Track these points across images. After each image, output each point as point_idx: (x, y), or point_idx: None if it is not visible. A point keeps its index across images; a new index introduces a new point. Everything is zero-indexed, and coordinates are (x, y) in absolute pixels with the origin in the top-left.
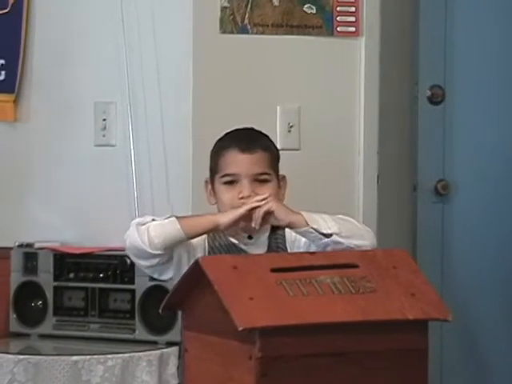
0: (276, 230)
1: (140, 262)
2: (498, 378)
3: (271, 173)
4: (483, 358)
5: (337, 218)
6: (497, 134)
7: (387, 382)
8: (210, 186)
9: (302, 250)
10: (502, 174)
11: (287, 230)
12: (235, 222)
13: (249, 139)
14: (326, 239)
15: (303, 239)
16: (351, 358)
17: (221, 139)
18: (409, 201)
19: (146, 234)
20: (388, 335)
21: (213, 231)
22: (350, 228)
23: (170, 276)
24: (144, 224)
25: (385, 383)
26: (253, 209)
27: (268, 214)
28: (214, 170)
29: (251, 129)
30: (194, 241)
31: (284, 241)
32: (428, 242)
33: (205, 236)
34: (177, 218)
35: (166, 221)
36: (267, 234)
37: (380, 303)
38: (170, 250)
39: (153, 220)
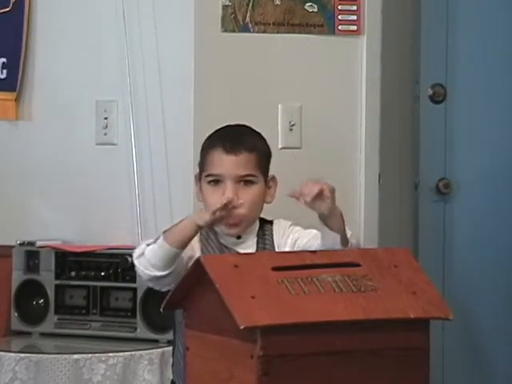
0: (264, 224)
1: (164, 284)
2: (499, 377)
3: (257, 174)
4: (485, 356)
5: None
6: (498, 133)
7: (389, 380)
8: (199, 183)
9: (287, 249)
10: (503, 173)
11: (275, 227)
12: (214, 221)
13: (235, 139)
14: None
15: (290, 237)
16: (352, 357)
17: (210, 136)
18: (410, 199)
19: (145, 262)
20: (389, 334)
21: (196, 233)
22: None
23: None
24: (141, 254)
25: (386, 382)
26: (225, 205)
27: (332, 193)
28: (200, 167)
29: (242, 126)
30: (194, 245)
31: (272, 240)
32: (429, 241)
33: (198, 239)
34: (164, 232)
35: (158, 241)
36: (255, 233)
37: (381, 302)
38: (171, 264)
39: (147, 245)
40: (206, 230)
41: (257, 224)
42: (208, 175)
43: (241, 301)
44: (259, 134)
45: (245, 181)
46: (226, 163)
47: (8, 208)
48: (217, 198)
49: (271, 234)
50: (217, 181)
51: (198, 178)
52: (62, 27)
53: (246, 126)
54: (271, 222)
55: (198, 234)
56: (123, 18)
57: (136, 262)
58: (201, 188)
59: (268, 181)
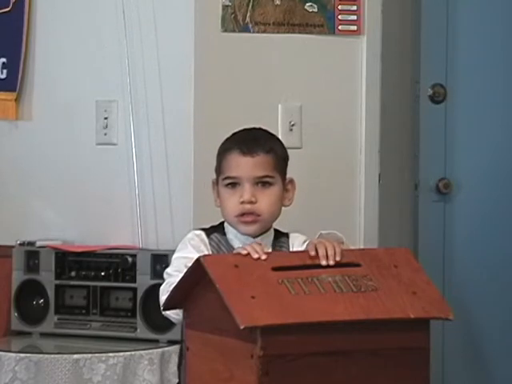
0: (279, 236)
1: None
2: (499, 376)
3: (275, 176)
4: (485, 356)
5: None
6: (498, 133)
7: (389, 380)
8: (216, 188)
9: None
10: (503, 173)
11: (291, 240)
12: None
13: (251, 141)
14: None
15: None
16: (353, 357)
17: (226, 140)
18: (410, 199)
19: (172, 313)
20: (389, 334)
21: None
22: None
23: None
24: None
25: (386, 382)
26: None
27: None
28: (217, 171)
29: (258, 129)
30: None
31: (288, 248)
32: (429, 241)
33: (209, 247)
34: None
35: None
36: (271, 240)
37: (381, 302)
38: None
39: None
40: (218, 238)
41: (271, 233)
42: (225, 178)
43: (241, 301)
44: (276, 137)
45: (262, 182)
46: (243, 165)
47: (8, 208)
48: (234, 200)
49: (288, 248)
50: (234, 184)
51: (216, 182)
52: (61, 27)
53: (262, 129)
54: (287, 235)
55: (207, 244)
56: (123, 18)
57: (165, 314)
58: (218, 193)
59: (286, 183)
